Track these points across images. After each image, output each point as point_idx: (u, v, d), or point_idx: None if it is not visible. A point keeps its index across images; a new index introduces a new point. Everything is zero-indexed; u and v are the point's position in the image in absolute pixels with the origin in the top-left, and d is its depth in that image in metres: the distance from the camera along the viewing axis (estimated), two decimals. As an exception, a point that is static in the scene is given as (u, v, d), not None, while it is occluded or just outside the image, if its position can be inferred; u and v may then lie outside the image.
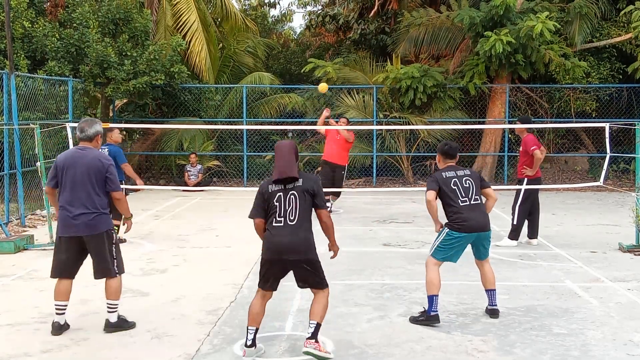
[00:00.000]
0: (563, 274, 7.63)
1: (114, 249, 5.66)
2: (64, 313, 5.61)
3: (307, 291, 6.86)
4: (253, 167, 17.11)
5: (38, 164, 9.18)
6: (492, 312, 6.03)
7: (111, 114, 16.72)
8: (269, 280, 5.06)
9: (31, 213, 11.51)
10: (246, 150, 16.86)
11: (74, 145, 10.28)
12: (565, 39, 16.54)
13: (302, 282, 5.11)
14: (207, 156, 16.88)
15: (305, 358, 5.02)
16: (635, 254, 8.67)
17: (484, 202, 6.13)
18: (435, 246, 6.08)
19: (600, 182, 10.98)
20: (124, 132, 16.82)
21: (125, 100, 16.94)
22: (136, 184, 9.46)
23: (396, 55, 17.48)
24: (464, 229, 5.92)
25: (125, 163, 9.20)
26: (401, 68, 16.31)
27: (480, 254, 6.15)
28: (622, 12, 16.24)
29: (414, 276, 7.55)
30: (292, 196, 4.98)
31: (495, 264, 8.11)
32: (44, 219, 10.90)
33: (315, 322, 4.95)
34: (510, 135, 16.88)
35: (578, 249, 9.02)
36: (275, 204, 4.97)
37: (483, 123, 16.95)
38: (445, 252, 6.02)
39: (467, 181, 6.03)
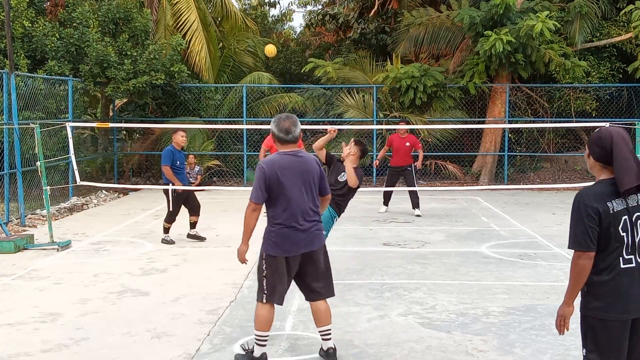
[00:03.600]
0: (563, 274, 7.62)
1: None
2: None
3: (307, 291, 6.90)
4: (253, 166, 17.10)
5: (38, 163, 9.17)
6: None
7: (111, 114, 16.74)
8: (619, 350, 3.34)
9: (31, 212, 11.51)
10: (246, 150, 16.85)
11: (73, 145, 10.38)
12: (565, 39, 16.54)
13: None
14: (207, 156, 16.88)
15: (304, 358, 5.03)
16: (635, 254, 8.65)
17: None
18: None
19: (600, 182, 10.97)
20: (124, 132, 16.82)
21: (125, 100, 16.95)
22: (174, 185, 9.40)
23: (396, 55, 17.48)
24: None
25: (164, 165, 9.24)
26: (401, 67, 16.31)
27: None
28: (622, 11, 16.24)
29: (413, 276, 7.55)
30: (639, 221, 3.34)
31: (495, 263, 8.13)
32: (44, 218, 10.90)
33: None
34: (510, 135, 16.88)
35: (578, 248, 9.01)
36: (622, 234, 3.28)
37: (483, 122, 16.95)
38: None
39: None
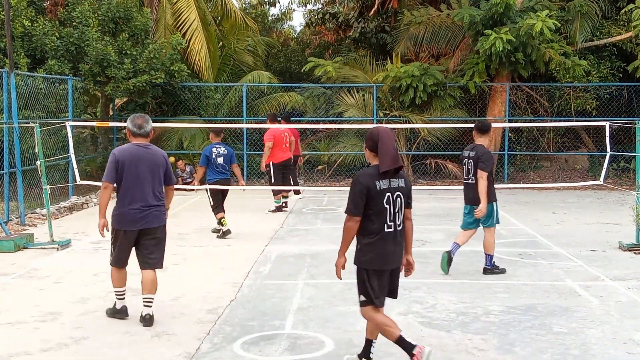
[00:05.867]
0: (563, 273, 7.63)
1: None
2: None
3: (307, 290, 6.90)
4: (253, 165, 17.09)
5: (38, 162, 9.17)
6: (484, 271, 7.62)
7: (111, 113, 16.71)
8: (382, 295, 4.65)
9: (31, 211, 11.51)
10: (246, 149, 16.84)
11: (73, 144, 10.38)
12: (565, 38, 16.52)
13: (394, 291, 4.73)
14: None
15: (304, 357, 5.03)
16: (635, 253, 8.66)
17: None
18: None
19: (601, 181, 10.98)
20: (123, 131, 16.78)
21: (125, 99, 16.93)
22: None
23: (396, 54, 17.46)
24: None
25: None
26: (401, 67, 16.29)
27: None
28: (623, 10, 16.21)
29: (413, 275, 7.52)
30: (398, 198, 4.50)
31: (495, 262, 8.13)
32: (44, 217, 10.90)
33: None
34: (510, 134, 16.87)
35: (578, 247, 9.02)
36: (385, 206, 4.44)
37: (483, 122, 16.91)
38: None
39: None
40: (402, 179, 4.56)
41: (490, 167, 7.33)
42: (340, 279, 4.57)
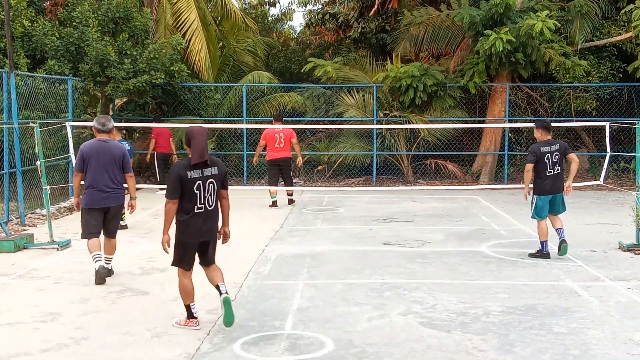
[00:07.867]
0: (563, 273, 7.63)
1: None
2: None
3: (307, 290, 6.91)
4: (253, 166, 17.09)
5: (38, 162, 9.16)
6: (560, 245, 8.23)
7: (111, 113, 16.70)
8: (190, 261, 5.66)
9: (31, 212, 11.50)
10: (246, 150, 16.83)
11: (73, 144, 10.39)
12: (565, 38, 16.53)
13: (208, 258, 5.72)
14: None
15: (304, 357, 5.03)
16: (635, 253, 8.66)
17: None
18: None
19: (601, 181, 10.99)
20: (123, 131, 16.80)
21: (125, 99, 16.92)
22: None
23: (396, 54, 17.46)
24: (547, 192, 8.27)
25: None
26: (401, 67, 16.29)
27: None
28: (623, 11, 16.22)
29: (413, 275, 7.55)
30: (210, 184, 5.47)
31: (496, 263, 8.14)
32: (44, 217, 10.90)
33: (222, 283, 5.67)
34: (510, 134, 16.87)
35: (578, 247, 9.01)
36: (196, 191, 5.39)
37: (483, 122, 16.94)
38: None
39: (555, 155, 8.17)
40: (216, 167, 5.52)
41: None
42: (168, 253, 5.58)
